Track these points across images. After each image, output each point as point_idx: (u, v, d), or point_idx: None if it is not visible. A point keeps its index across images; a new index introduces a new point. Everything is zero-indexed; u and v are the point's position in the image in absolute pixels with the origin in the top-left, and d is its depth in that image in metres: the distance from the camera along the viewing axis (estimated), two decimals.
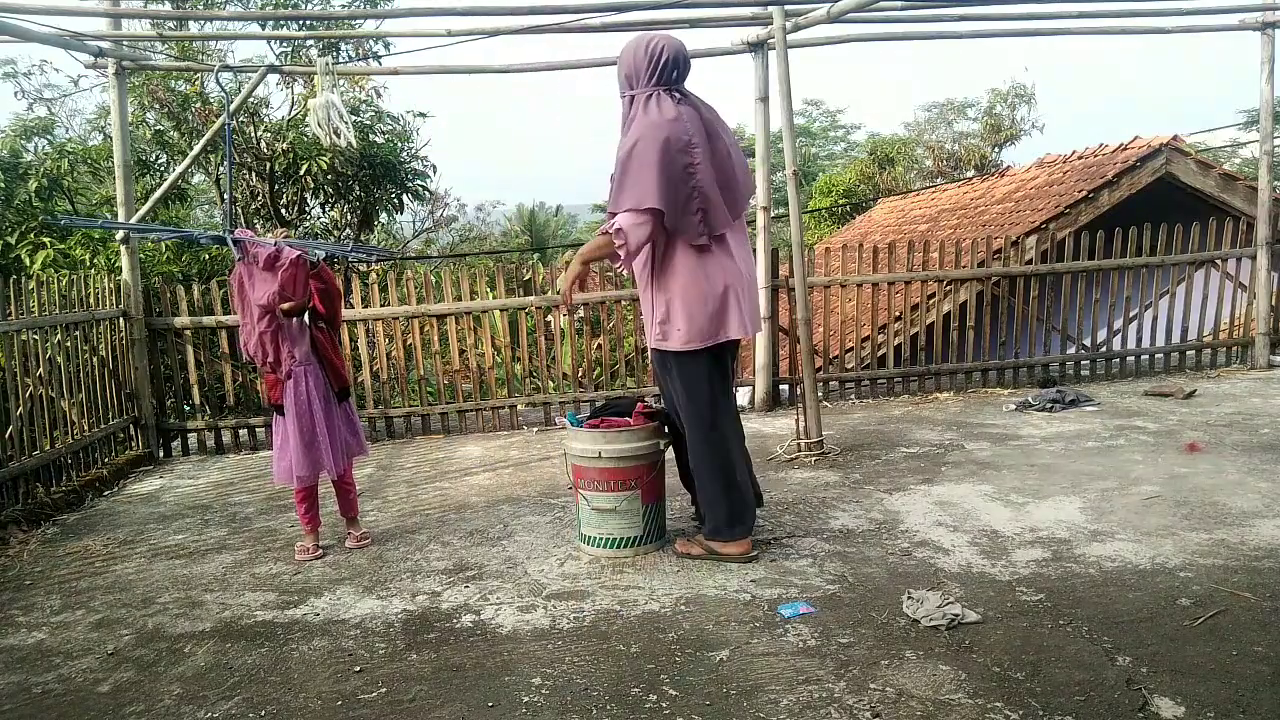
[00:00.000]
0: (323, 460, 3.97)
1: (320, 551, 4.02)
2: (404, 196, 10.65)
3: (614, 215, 3.42)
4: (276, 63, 7.74)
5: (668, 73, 3.46)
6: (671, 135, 3.36)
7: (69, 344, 5.48)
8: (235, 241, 3.81)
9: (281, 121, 9.85)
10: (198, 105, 9.43)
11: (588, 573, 3.60)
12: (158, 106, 9.49)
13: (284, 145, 9.43)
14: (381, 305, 6.67)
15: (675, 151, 3.35)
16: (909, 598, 3.12)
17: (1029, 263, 7.63)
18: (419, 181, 10.65)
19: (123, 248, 6.25)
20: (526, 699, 2.62)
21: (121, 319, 6.13)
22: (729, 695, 2.57)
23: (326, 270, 4.00)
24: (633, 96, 3.47)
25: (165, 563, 4.06)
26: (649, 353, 3.90)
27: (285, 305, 3.80)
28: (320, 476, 4.04)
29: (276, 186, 9.88)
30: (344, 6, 10.08)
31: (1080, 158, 10.76)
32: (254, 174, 9.81)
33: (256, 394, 6.65)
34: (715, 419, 3.57)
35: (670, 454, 3.86)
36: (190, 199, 12.04)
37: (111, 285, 6.07)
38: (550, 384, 6.92)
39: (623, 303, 6.82)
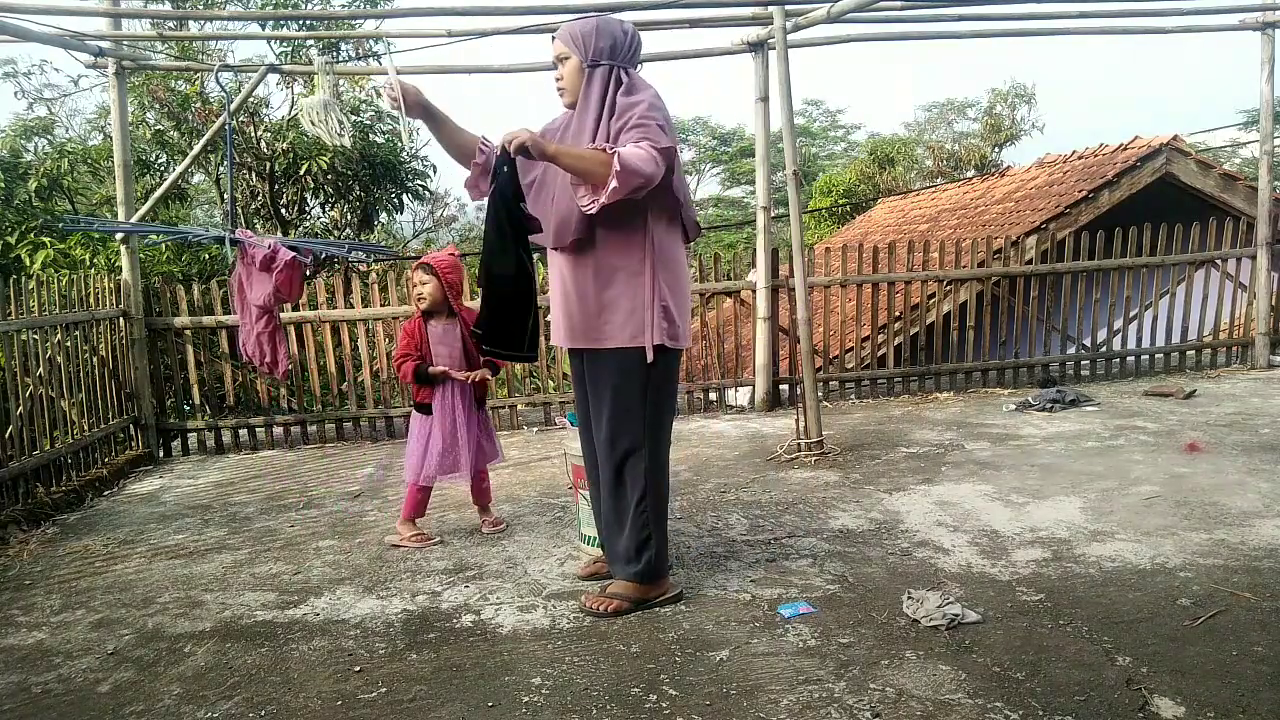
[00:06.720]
0: (459, 464, 4.05)
1: (422, 533, 4.07)
2: (404, 196, 10.67)
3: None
4: (276, 63, 7.75)
5: (637, 60, 3.21)
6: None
7: (69, 344, 5.47)
8: (234, 242, 3.80)
9: (281, 121, 9.85)
10: (198, 105, 9.44)
11: None
12: (158, 106, 9.50)
13: (284, 145, 9.44)
14: (382, 305, 6.67)
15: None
16: (909, 598, 3.12)
17: (1029, 263, 7.64)
18: (419, 181, 10.66)
19: (123, 248, 6.24)
20: (526, 699, 2.62)
21: (121, 319, 6.13)
22: (729, 695, 2.57)
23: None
24: (612, 66, 3.06)
25: (165, 562, 4.06)
26: (598, 355, 3.15)
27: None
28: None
29: (276, 186, 9.89)
30: (344, 6, 10.08)
31: (1080, 158, 10.77)
32: (254, 174, 9.81)
33: (256, 394, 6.65)
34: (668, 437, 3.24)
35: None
36: (190, 199, 12.06)
37: (111, 285, 6.06)
38: (550, 384, 6.91)
39: None
